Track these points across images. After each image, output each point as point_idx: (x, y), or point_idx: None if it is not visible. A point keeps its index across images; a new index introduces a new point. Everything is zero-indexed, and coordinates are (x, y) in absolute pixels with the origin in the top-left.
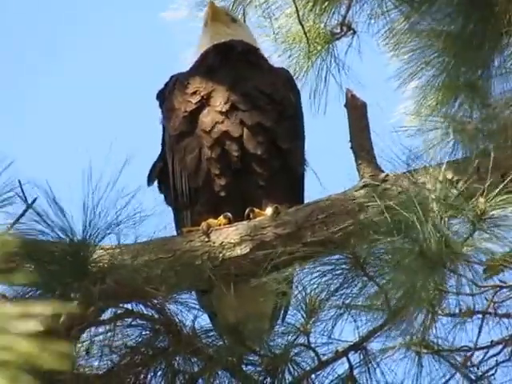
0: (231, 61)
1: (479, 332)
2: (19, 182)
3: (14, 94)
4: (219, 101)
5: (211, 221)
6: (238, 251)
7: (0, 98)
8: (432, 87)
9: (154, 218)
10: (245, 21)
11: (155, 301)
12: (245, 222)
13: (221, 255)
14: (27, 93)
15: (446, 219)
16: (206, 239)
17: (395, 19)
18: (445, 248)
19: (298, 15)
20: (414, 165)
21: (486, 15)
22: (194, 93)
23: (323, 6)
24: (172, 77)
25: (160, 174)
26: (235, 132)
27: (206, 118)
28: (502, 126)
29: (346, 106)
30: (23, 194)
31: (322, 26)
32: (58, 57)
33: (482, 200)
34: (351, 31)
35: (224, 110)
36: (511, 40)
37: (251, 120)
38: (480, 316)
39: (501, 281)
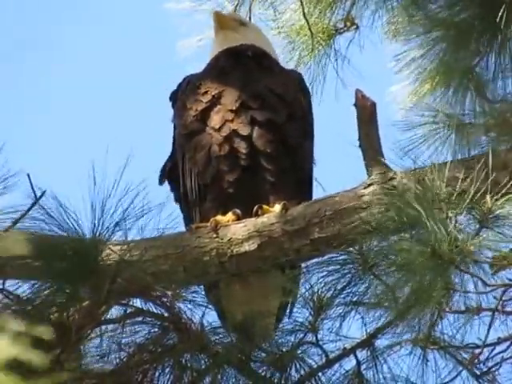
0: (242, 64)
1: (489, 329)
2: (28, 175)
3: (16, 93)
4: (230, 100)
5: (220, 217)
6: (246, 247)
7: (2, 97)
8: (428, 73)
9: (161, 211)
10: (250, 18)
11: (164, 298)
12: (253, 219)
13: (229, 251)
14: (31, 92)
15: (453, 218)
16: (215, 235)
17: (398, 13)
18: (455, 248)
19: (304, 10)
20: (421, 162)
21: (485, 5)
22: (206, 93)
23: (328, 1)
24: (185, 78)
25: (170, 172)
26: (244, 131)
27: (217, 116)
28: (501, 120)
29: (355, 105)
30: (32, 188)
31: (326, 21)
32: (59, 53)
33: (488, 198)
34: (354, 26)
35: (234, 108)
36: (508, 31)
37: (262, 116)
38: (486, 313)
39: (509, 279)
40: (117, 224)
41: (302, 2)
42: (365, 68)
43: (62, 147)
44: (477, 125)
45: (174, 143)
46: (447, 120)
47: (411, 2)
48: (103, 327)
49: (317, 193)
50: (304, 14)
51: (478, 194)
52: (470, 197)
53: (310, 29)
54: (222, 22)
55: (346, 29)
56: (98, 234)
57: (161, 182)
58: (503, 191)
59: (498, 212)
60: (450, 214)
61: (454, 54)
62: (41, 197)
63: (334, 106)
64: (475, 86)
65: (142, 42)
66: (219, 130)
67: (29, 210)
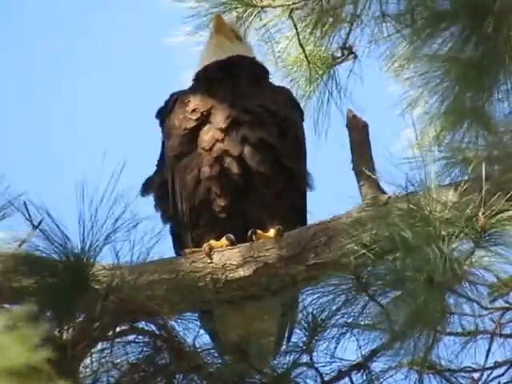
0: (233, 77)
1: (488, 352)
2: (24, 203)
3: (6, 99)
4: (219, 117)
5: (213, 242)
6: (241, 273)
7: None
8: (436, 113)
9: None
10: None
11: (158, 317)
12: (247, 244)
13: (223, 277)
14: (18, 104)
15: (447, 239)
16: (209, 260)
17: (397, 43)
18: (450, 270)
19: (299, 38)
20: (416, 187)
21: (491, 40)
22: (194, 110)
23: (324, 29)
24: (172, 95)
25: (159, 191)
26: (235, 151)
27: (206, 136)
28: (506, 153)
29: (347, 126)
30: (28, 214)
31: (323, 49)
32: (55, 67)
33: (481, 217)
34: (352, 55)
35: (224, 126)
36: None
37: (254, 136)
38: (484, 336)
39: (506, 302)
40: (106, 237)
41: (297, 31)
42: (366, 97)
43: (51, 159)
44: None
45: (161, 160)
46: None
47: (413, 39)
48: (96, 345)
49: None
50: (300, 42)
51: (471, 214)
52: (464, 218)
53: (306, 58)
54: (220, 26)
55: (344, 58)
56: (87, 248)
57: (143, 194)
58: (496, 211)
59: (491, 231)
60: (444, 235)
61: (461, 92)
62: (39, 224)
63: (335, 135)
64: (485, 125)
65: (139, 72)
66: (209, 150)
67: (25, 239)
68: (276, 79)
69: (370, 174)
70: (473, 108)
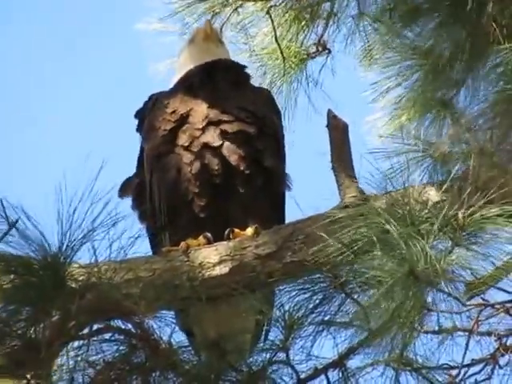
0: (214, 80)
1: (466, 349)
2: (1, 201)
3: None
4: (197, 118)
5: (191, 241)
6: (218, 271)
7: None
8: (405, 102)
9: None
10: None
11: (134, 316)
12: (225, 242)
13: (200, 275)
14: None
15: (426, 237)
16: (186, 259)
17: (373, 39)
18: (430, 266)
19: (276, 33)
20: (393, 186)
21: (464, 34)
22: (174, 112)
23: (300, 25)
24: (151, 96)
25: (136, 191)
26: (215, 142)
27: (185, 134)
28: (477, 147)
29: (327, 126)
30: (5, 214)
31: (299, 45)
32: (33, 68)
33: (460, 215)
34: (326, 51)
35: (201, 126)
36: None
37: (232, 129)
38: (461, 334)
39: (483, 299)
40: (85, 236)
41: (274, 26)
42: (337, 92)
43: (31, 158)
44: (455, 153)
45: (139, 162)
46: (427, 148)
47: (388, 30)
48: (72, 344)
49: (288, 212)
50: (276, 37)
51: (451, 213)
52: (442, 215)
53: (281, 53)
54: (211, 33)
55: (317, 53)
56: (64, 247)
57: (121, 196)
58: (475, 209)
59: (470, 230)
60: (423, 233)
61: (431, 83)
62: (14, 224)
63: (305, 131)
64: (452, 116)
65: (110, 59)
66: (189, 146)
67: (3, 236)
68: (250, 71)
69: (348, 173)
70: (441, 100)
